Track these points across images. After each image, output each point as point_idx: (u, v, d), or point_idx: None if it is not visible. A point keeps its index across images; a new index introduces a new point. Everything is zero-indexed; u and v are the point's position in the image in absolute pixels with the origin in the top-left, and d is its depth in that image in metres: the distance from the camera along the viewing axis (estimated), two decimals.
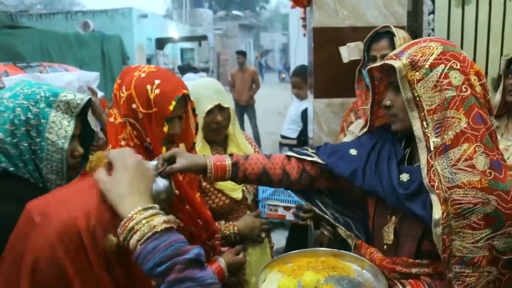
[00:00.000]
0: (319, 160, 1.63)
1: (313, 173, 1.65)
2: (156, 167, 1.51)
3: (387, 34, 2.28)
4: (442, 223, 1.31)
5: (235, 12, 34.43)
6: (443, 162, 1.33)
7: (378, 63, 1.56)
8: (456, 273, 1.33)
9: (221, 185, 2.12)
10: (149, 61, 16.18)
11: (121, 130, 1.60)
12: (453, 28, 3.12)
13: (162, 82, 1.56)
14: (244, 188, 2.20)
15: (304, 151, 1.69)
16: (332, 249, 1.67)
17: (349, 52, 2.62)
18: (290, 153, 1.69)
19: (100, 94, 2.63)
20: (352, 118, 2.51)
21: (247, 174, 1.62)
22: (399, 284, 1.43)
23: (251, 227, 2.13)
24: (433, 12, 3.06)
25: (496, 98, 2.12)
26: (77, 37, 10.02)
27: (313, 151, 1.68)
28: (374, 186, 1.51)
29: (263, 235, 2.20)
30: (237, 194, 2.16)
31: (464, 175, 1.30)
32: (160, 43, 16.24)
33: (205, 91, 2.10)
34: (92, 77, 2.69)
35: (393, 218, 1.52)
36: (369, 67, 1.57)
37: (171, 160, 1.53)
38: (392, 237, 1.51)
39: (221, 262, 1.84)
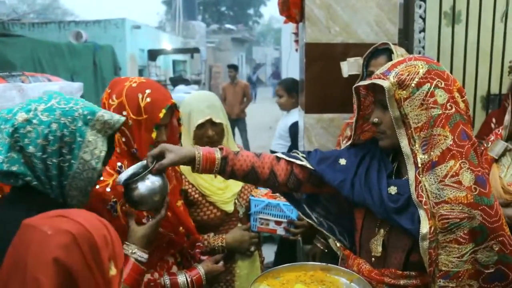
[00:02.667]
0: (308, 165, 1.62)
1: (301, 177, 1.64)
2: (145, 165, 1.53)
3: (385, 51, 2.31)
4: (429, 237, 1.34)
5: (228, 25, 34.60)
6: (431, 178, 1.37)
7: (366, 81, 1.57)
8: (440, 286, 1.36)
9: (213, 198, 2.12)
10: (141, 72, 16.18)
11: None
12: (443, 47, 3.16)
13: (153, 92, 1.66)
14: (236, 201, 2.20)
15: (294, 154, 1.69)
16: (320, 263, 1.68)
17: (349, 67, 2.64)
18: (280, 155, 1.67)
19: None
20: (348, 132, 2.53)
21: (235, 170, 1.60)
22: None
23: (240, 240, 2.14)
24: (423, 30, 3.10)
25: (506, 118, 2.07)
26: (69, 47, 10.01)
27: (303, 155, 1.67)
28: (364, 197, 1.52)
29: (253, 248, 2.20)
30: (229, 207, 2.15)
31: (450, 191, 1.34)
32: (153, 54, 16.27)
33: (199, 104, 2.11)
34: (75, 87, 2.68)
35: (382, 231, 1.53)
36: (356, 85, 1.59)
37: (160, 156, 1.53)
38: (380, 250, 1.53)
39: (200, 269, 1.87)
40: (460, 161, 1.34)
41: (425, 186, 1.37)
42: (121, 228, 1.60)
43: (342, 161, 1.62)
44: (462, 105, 1.40)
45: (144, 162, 1.54)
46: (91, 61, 10.46)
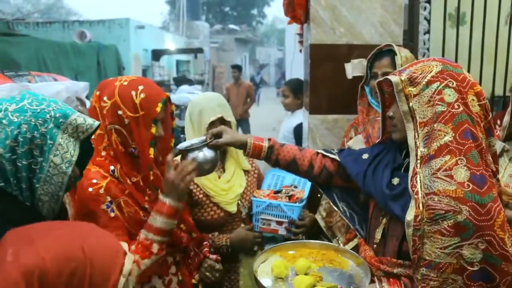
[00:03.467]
0: (337, 158, 1.82)
1: (331, 170, 1.84)
2: (204, 140, 1.79)
3: (389, 52, 2.31)
4: (414, 225, 1.41)
5: (231, 26, 34.60)
6: (426, 170, 1.43)
7: (382, 78, 1.68)
8: (422, 275, 1.40)
9: (217, 198, 2.15)
10: (144, 72, 16.20)
11: (101, 141, 1.67)
12: (448, 48, 3.16)
13: (146, 88, 1.66)
14: (239, 202, 2.22)
15: (330, 150, 1.89)
16: (335, 244, 1.90)
17: (353, 68, 2.65)
18: (319, 150, 1.88)
19: (88, 104, 2.62)
20: (352, 133, 2.54)
21: (279, 159, 1.85)
22: (376, 281, 1.54)
23: (244, 239, 2.16)
24: (428, 32, 3.10)
25: (504, 119, 2.10)
26: (74, 47, 10.01)
27: (336, 151, 1.88)
28: (370, 188, 1.65)
29: (256, 248, 2.21)
30: (232, 208, 2.18)
31: (441, 184, 1.39)
32: (156, 54, 16.28)
33: (209, 103, 2.15)
34: (81, 87, 2.68)
35: (384, 219, 1.63)
36: (377, 80, 1.69)
37: (218, 135, 1.80)
38: (379, 237, 1.64)
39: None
40: (458, 157, 1.39)
41: (420, 177, 1.44)
42: (121, 227, 1.64)
43: (365, 156, 1.77)
44: (476, 108, 1.44)
45: (204, 137, 1.81)
46: (95, 61, 10.46)
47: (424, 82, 1.46)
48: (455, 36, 3.16)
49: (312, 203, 2.55)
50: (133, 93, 1.63)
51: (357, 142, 2.44)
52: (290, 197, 2.30)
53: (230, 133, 1.83)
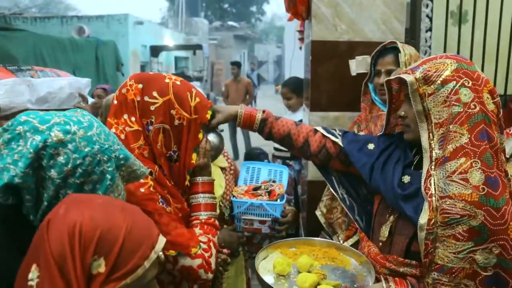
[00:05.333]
0: (340, 143, 1.79)
1: (332, 152, 1.81)
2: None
3: (393, 49, 2.28)
4: (427, 228, 1.38)
5: (230, 22, 34.58)
6: (440, 172, 1.39)
7: (386, 77, 1.68)
8: (434, 279, 1.38)
9: None
10: (143, 68, 16.18)
11: (136, 138, 1.56)
12: (450, 46, 3.15)
13: (198, 92, 1.62)
14: (220, 203, 2.16)
15: (332, 131, 1.85)
16: (336, 242, 1.87)
17: (357, 65, 2.62)
18: (318, 128, 1.85)
19: (90, 100, 2.61)
20: (355, 130, 2.51)
21: (272, 132, 1.84)
22: (383, 280, 1.50)
23: (229, 241, 2.09)
24: (430, 29, 3.08)
25: None
26: (72, 42, 9.99)
27: (340, 133, 1.84)
28: (378, 183, 1.62)
29: (240, 248, 2.19)
30: None
31: (456, 187, 1.35)
32: (155, 50, 16.25)
33: None
34: (83, 83, 2.67)
35: (391, 217, 1.59)
36: (387, 79, 1.65)
37: (211, 117, 1.75)
38: (386, 235, 1.59)
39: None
40: (472, 160, 1.35)
41: (434, 179, 1.40)
42: (179, 220, 1.60)
43: (370, 146, 1.73)
44: (491, 106, 1.40)
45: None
46: (93, 56, 10.44)
47: (439, 81, 1.42)
48: (457, 34, 3.14)
49: (313, 199, 2.54)
50: (188, 94, 1.58)
51: None
52: (270, 193, 2.24)
53: (221, 110, 1.82)
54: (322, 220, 2.53)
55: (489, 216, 1.31)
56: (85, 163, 1.12)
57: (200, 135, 1.62)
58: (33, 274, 0.92)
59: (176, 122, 1.55)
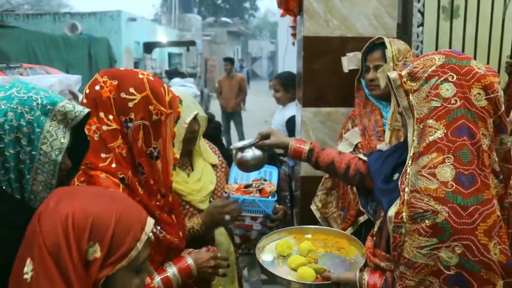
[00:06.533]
0: (364, 158, 1.89)
1: (362, 171, 1.88)
2: (254, 140, 2.05)
3: (382, 45, 2.30)
4: (394, 221, 1.40)
5: (224, 18, 34.48)
6: (414, 167, 1.39)
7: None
8: (400, 272, 1.38)
9: (188, 197, 2.07)
10: (136, 64, 16.10)
11: (114, 137, 1.52)
12: (442, 41, 3.15)
13: (168, 88, 1.61)
14: (211, 199, 2.16)
15: (366, 154, 1.96)
16: (350, 235, 2.00)
17: (348, 61, 2.63)
18: (359, 155, 1.96)
19: (81, 97, 2.59)
20: (349, 125, 2.53)
21: (319, 161, 1.98)
22: (358, 271, 1.59)
23: (211, 212, 2.05)
24: (422, 24, 3.09)
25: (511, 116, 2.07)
26: (65, 39, 9.91)
27: (369, 154, 1.92)
28: (375, 181, 1.71)
29: (227, 217, 2.07)
30: (204, 206, 2.09)
31: (423, 181, 1.34)
32: (148, 47, 16.17)
33: (185, 100, 2.03)
34: (74, 80, 2.65)
35: (383, 213, 1.60)
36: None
37: (267, 136, 2.03)
38: (376, 229, 1.66)
39: (187, 257, 1.76)
40: (445, 155, 1.33)
41: (409, 174, 1.40)
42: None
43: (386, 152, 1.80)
44: (482, 103, 1.35)
45: (252, 139, 2.06)
46: (86, 53, 10.36)
47: (424, 77, 1.41)
48: (448, 29, 3.15)
49: (307, 195, 2.54)
50: (162, 89, 1.56)
51: (353, 134, 2.44)
52: (261, 191, 2.26)
53: (277, 135, 2.04)
54: (317, 214, 2.55)
55: (453, 214, 1.28)
56: (8, 118, 1.18)
57: (175, 129, 1.63)
58: (28, 267, 0.96)
59: (154, 117, 1.53)
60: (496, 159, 1.37)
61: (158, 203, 1.62)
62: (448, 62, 1.40)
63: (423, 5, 3.08)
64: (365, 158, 1.88)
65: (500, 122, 1.37)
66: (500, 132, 1.39)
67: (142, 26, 17.13)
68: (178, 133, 1.93)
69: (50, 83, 2.42)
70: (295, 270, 1.72)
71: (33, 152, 1.21)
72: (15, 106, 1.19)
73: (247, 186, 2.30)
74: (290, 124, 3.80)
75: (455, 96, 1.36)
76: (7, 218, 1.17)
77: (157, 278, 1.64)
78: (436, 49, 3.11)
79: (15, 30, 8.41)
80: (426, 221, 1.31)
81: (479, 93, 1.36)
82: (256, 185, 2.30)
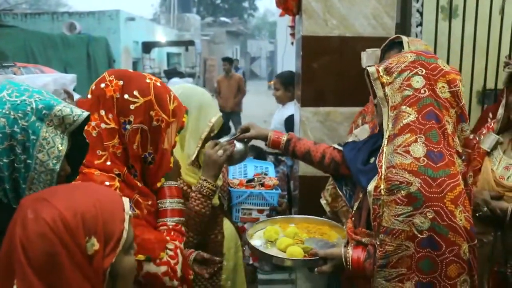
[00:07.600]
0: (340, 148, 2.02)
1: (337, 159, 2.02)
2: (234, 134, 2.03)
3: (400, 44, 2.28)
4: (373, 194, 1.57)
5: (223, 18, 34.50)
6: (390, 147, 1.57)
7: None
8: (380, 240, 1.54)
9: None
10: (135, 64, 16.10)
11: (112, 136, 1.51)
12: (440, 41, 3.16)
13: (175, 95, 1.60)
14: (220, 194, 2.16)
15: (341, 143, 2.07)
16: (332, 221, 2.14)
17: (367, 58, 2.62)
18: (334, 145, 2.07)
19: (76, 96, 2.57)
20: (359, 122, 2.53)
21: (295, 150, 2.10)
22: (342, 246, 1.74)
23: (206, 162, 2.00)
24: (421, 24, 3.09)
25: (499, 112, 2.12)
26: (63, 38, 9.92)
27: (344, 144, 2.05)
28: (351, 165, 1.86)
29: (220, 152, 2.02)
30: (215, 200, 2.08)
31: (398, 158, 1.53)
32: (147, 46, 16.20)
33: (209, 99, 2.08)
34: (68, 79, 2.62)
35: (361, 194, 1.79)
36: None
37: (246, 129, 2.13)
38: (355, 209, 1.83)
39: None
40: (418, 136, 1.53)
41: (385, 154, 1.58)
42: (140, 224, 1.52)
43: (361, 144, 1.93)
44: (445, 95, 1.57)
45: (234, 131, 2.03)
46: (84, 53, 10.37)
47: (398, 71, 1.60)
48: (447, 29, 3.15)
49: (305, 194, 2.54)
50: (167, 97, 1.54)
51: (363, 131, 2.42)
52: (262, 185, 2.37)
53: (256, 128, 2.14)
54: (327, 209, 2.56)
55: (425, 184, 1.48)
56: (0, 125, 1.09)
57: (177, 139, 1.60)
58: None
59: (154, 123, 1.51)
60: (459, 143, 1.59)
61: (148, 202, 1.60)
62: (418, 59, 1.61)
63: (422, 5, 3.09)
64: (340, 148, 2.02)
65: (461, 113, 1.59)
66: (461, 121, 1.60)
67: (141, 25, 17.12)
68: (200, 130, 1.99)
69: (44, 82, 2.39)
70: (284, 251, 1.85)
71: (28, 161, 1.12)
72: (7, 112, 1.10)
73: (249, 181, 2.38)
74: (289, 123, 3.80)
75: (424, 87, 1.57)
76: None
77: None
78: (435, 49, 3.12)
79: (13, 30, 8.41)
80: (402, 192, 1.49)
81: (443, 86, 1.57)
82: (258, 180, 2.41)
